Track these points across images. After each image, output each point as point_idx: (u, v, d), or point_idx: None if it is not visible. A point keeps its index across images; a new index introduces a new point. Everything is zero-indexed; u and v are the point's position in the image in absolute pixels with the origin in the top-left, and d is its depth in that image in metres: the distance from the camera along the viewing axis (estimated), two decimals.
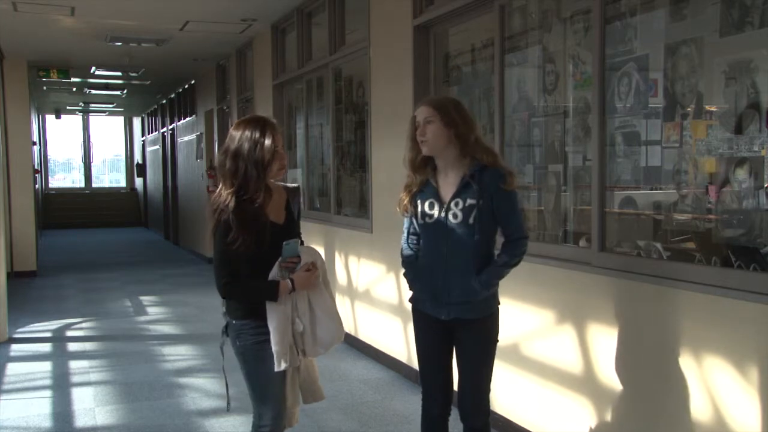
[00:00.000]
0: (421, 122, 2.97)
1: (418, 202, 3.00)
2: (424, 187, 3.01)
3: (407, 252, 3.12)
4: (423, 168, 3.02)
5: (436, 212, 2.96)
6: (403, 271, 3.19)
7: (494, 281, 2.97)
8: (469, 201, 2.90)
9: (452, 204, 2.93)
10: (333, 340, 2.91)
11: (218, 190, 2.87)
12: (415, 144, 3.00)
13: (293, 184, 3.11)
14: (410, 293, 3.18)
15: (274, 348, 2.77)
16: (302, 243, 3.01)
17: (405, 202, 3.05)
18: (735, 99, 3.02)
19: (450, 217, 2.93)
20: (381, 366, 5.58)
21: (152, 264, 12.30)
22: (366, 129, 6.00)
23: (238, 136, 2.80)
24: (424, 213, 2.99)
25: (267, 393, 2.88)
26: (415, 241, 3.10)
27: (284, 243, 2.79)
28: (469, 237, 2.91)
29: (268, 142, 2.76)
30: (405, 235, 3.14)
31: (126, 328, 7.22)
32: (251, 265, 2.79)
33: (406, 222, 3.14)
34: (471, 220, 2.90)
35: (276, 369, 2.78)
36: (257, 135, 2.77)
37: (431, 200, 2.98)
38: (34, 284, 10.06)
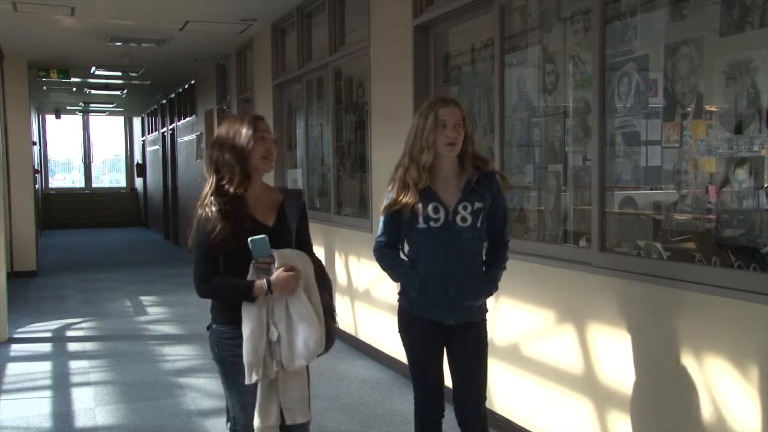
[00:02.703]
0: (449, 124, 2.88)
1: (420, 206, 2.91)
2: (423, 190, 2.92)
3: (403, 259, 3.04)
4: (429, 171, 2.93)
5: (441, 216, 2.90)
6: (390, 274, 3.08)
7: (499, 281, 3.05)
8: (477, 204, 2.92)
9: (460, 208, 2.91)
10: (309, 350, 2.68)
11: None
12: (434, 144, 2.89)
13: (295, 188, 3.04)
14: (398, 298, 3.11)
15: (245, 359, 2.64)
16: (311, 253, 2.89)
17: (408, 200, 2.90)
18: (735, 99, 3.02)
19: (458, 220, 2.91)
20: (381, 366, 5.58)
21: (152, 264, 12.30)
22: (366, 129, 6.00)
23: (221, 130, 2.81)
24: (427, 217, 2.91)
25: (242, 402, 2.77)
26: (395, 244, 3.04)
27: (249, 240, 2.63)
28: (478, 240, 2.97)
29: (245, 129, 2.73)
30: (389, 238, 3.02)
31: (126, 328, 7.22)
32: (231, 264, 2.68)
33: (387, 228, 3.01)
34: (479, 224, 2.94)
35: (246, 381, 2.65)
36: (237, 124, 2.77)
37: (435, 204, 2.91)
38: (34, 284, 10.05)
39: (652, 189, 3.72)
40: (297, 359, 2.69)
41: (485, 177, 2.97)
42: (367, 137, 5.87)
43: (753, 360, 2.68)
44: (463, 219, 2.92)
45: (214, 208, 2.67)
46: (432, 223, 2.91)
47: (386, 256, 3.04)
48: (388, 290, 5.37)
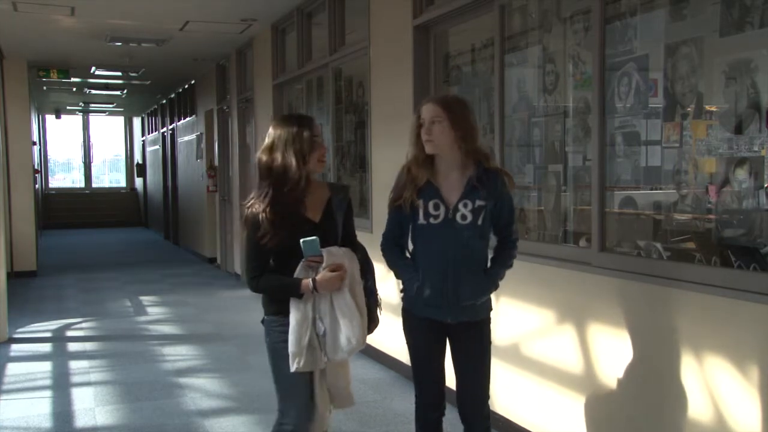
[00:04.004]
0: (426, 121, 2.91)
1: (420, 201, 2.93)
2: (424, 186, 2.94)
3: (405, 257, 3.05)
4: (428, 166, 2.95)
5: (442, 213, 2.91)
6: (392, 271, 3.10)
7: (500, 280, 3.04)
8: (479, 202, 2.91)
9: (460, 205, 2.90)
10: (350, 346, 2.81)
11: (256, 188, 2.88)
12: (419, 141, 2.95)
13: (342, 183, 3.09)
14: (400, 296, 3.12)
15: (289, 348, 2.77)
16: (356, 246, 2.98)
17: (408, 195, 2.93)
18: (735, 99, 3.01)
19: (458, 218, 2.91)
20: (381, 366, 5.58)
21: (152, 264, 12.30)
22: (366, 129, 6.00)
23: (274, 132, 2.85)
24: (427, 213, 2.92)
25: (291, 392, 2.87)
26: (400, 241, 3.06)
27: (301, 240, 2.73)
28: (479, 238, 2.96)
29: (306, 132, 2.81)
30: (393, 234, 3.05)
31: (126, 328, 7.22)
32: (283, 261, 2.80)
33: (393, 223, 3.04)
34: (480, 221, 2.93)
35: (291, 370, 2.78)
36: (295, 128, 2.82)
37: (435, 200, 2.91)
38: (34, 284, 10.05)
39: (652, 189, 3.72)
40: (340, 353, 2.82)
41: (488, 175, 2.94)
42: (367, 137, 5.87)
43: (753, 360, 2.68)
44: (463, 216, 2.91)
45: (268, 215, 2.75)
46: (432, 220, 2.92)
47: (389, 253, 3.07)
48: (388, 290, 5.37)
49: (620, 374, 3.31)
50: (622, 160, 3.69)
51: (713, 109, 3.22)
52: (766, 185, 2.91)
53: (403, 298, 3.10)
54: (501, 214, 2.99)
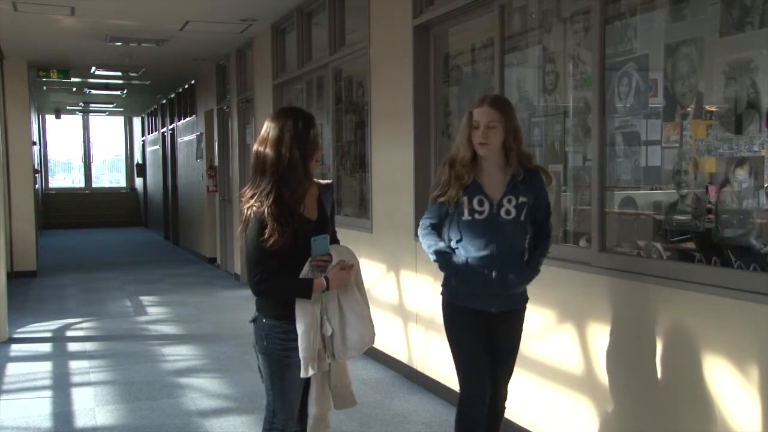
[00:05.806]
0: (482, 124, 3.00)
1: (465, 198, 3.03)
2: (469, 184, 3.04)
3: (443, 242, 3.13)
4: (473, 165, 3.06)
5: (486, 209, 3.02)
6: (436, 265, 3.16)
7: (540, 267, 3.14)
8: (521, 198, 3.04)
9: (504, 201, 3.02)
10: (364, 343, 2.78)
11: (252, 183, 2.75)
12: (470, 142, 3.03)
13: (326, 180, 3.00)
14: (441, 290, 3.20)
15: (301, 354, 2.69)
16: (338, 241, 2.98)
17: (455, 192, 3.03)
18: (735, 99, 3.02)
19: (502, 213, 3.02)
20: (381, 366, 5.58)
21: (152, 264, 12.30)
22: (366, 129, 6.00)
23: (278, 126, 2.70)
24: (472, 209, 3.03)
25: (285, 396, 2.83)
26: (438, 230, 3.15)
27: (312, 239, 2.70)
28: (521, 232, 3.08)
29: (312, 131, 2.73)
30: (432, 222, 3.14)
31: (126, 328, 7.22)
32: (283, 261, 2.69)
33: (434, 214, 3.13)
34: (523, 217, 3.05)
35: (302, 375, 2.71)
36: (300, 125, 2.70)
37: (480, 197, 3.03)
38: (34, 284, 10.05)
39: (652, 189, 3.72)
40: (350, 351, 2.78)
41: (529, 174, 3.07)
42: (367, 137, 5.87)
43: (753, 360, 2.68)
44: (507, 212, 3.02)
45: (273, 213, 2.64)
46: (477, 215, 3.03)
47: (430, 236, 3.16)
48: (389, 290, 5.37)
49: (620, 374, 3.31)
50: (622, 160, 3.69)
51: (713, 109, 3.22)
52: (766, 185, 2.91)
53: (443, 293, 3.18)
54: (540, 209, 3.12)
